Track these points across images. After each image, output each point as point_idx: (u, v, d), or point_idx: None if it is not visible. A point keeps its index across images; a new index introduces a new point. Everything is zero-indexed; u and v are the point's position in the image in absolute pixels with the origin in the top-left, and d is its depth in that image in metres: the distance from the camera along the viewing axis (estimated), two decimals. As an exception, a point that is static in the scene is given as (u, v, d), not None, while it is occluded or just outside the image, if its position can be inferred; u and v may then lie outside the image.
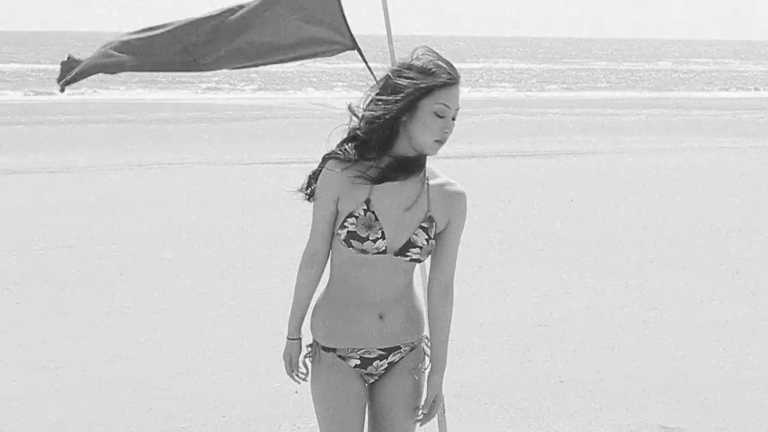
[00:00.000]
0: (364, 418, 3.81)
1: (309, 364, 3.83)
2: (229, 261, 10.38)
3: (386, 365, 3.81)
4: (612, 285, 9.64)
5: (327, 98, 41.00)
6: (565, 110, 35.41)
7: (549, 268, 10.28)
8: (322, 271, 3.81)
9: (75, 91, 39.79)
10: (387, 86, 3.65)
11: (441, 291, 3.78)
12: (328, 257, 3.78)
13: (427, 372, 3.86)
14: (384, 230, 3.66)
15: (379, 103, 3.63)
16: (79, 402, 6.42)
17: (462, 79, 3.68)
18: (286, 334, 3.87)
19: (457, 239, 3.78)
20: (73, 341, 7.68)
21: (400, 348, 3.80)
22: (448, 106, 3.62)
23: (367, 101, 3.68)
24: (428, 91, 3.60)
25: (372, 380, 3.84)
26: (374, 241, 3.66)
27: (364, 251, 3.67)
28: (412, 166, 3.69)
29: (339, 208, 3.70)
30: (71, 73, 4.71)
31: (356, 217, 3.66)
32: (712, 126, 29.22)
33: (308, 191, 3.77)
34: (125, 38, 4.74)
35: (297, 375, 3.87)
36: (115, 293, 9.09)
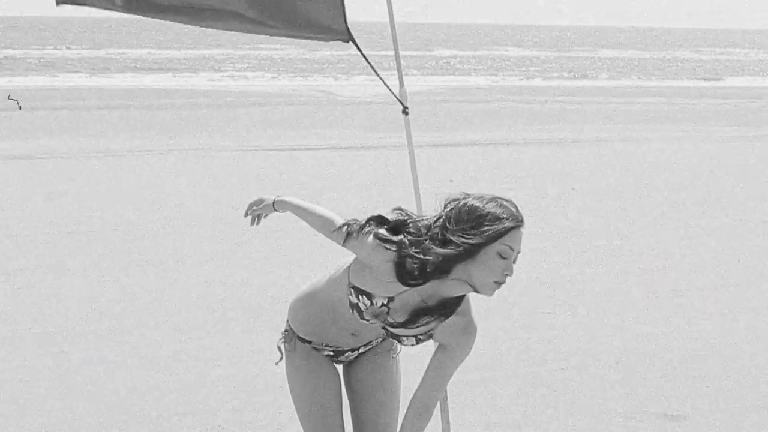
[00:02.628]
0: (340, 399, 3.89)
1: (283, 349, 3.92)
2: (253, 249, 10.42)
3: (357, 354, 3.93)
4: (615, 272, 9.65)
5: (332, 85, 40.96)
6: (568, 98, 35.37)
7: (552, 255, 10.29)
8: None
9: (102, 76, 39.64)
10: (459, 221, 3.53)
11: (419, 411, 3.69)
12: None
13: (398, 355, 3.94)
14: (387, 320, 3.68)
15: (449, 238, 3.50)
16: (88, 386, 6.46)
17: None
18: (276, 195, 3.93)
19: (452, 367, 3.71)
20: (77, 327, 7.72)
21: (372, 341, 3.90)
22: (512, 249, 3.53)
23: (436, 227, 3.55)
24: (498, 236, 3.51)
25: (342, 364, 3.97)
26: (371, 323, 3.70)
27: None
28: (453, 308, 3.64)
29: (366, 272, 3.63)
30: None
31: (372, 303, 3.64)
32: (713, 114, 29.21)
33: (353, 228, 3.62)
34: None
35: (254, 216, 3.96)
36: (130, 280, 9.13)
